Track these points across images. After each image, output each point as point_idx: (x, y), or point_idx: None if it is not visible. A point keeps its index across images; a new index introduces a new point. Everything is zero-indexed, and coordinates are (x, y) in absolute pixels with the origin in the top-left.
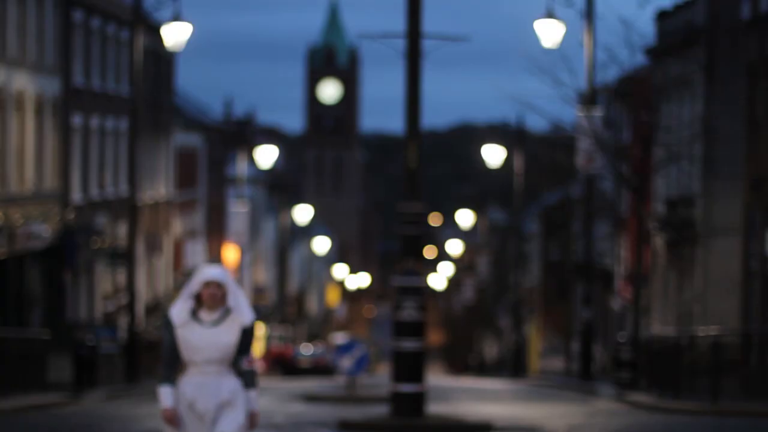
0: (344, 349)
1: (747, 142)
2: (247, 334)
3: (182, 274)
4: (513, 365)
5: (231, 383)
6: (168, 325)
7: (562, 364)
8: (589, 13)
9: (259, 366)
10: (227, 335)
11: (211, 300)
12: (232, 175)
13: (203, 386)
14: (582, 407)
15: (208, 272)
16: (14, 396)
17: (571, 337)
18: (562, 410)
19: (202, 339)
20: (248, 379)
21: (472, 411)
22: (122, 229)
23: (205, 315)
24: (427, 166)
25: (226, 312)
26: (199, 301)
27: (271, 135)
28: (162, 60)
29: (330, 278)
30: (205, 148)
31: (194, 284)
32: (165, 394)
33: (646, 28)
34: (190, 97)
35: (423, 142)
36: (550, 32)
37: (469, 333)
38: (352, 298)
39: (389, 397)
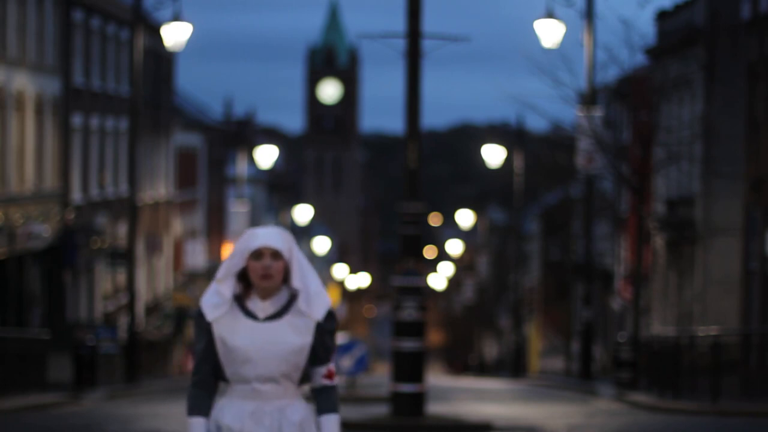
0: (344, 349)
1: (747, 142)
2: (324, 333)
3: (182, 274)
4: (513, 365)
5: (299, 412)
6: (200, 322)
7: (562, 364)
8: (589, 13)
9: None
10: (295, 336)
11: (266, 279)
12: (232, 175)
13: (257, 416)
14: (582, 407)
15: (259, 235)
16: (14, 396)
17: (571, 337)
18: (562, 410)
19: (255, 342)
20: (326, 401)
21: (472, 411)
22: (122, 229)
23: (257, 304)
24: (427, 166)
25: (291, 298)
26: (246, 282)
27: (271, 135)
28: (162, 60)
29: (330, 278)
30: (205, 148)
31: (237, 255)
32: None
33: (646, 28)
34: (190, 97)
35: (423, 142)
36: (550, 32)
37: (469, 333)
38: (352, 298)
39: (389, 397)
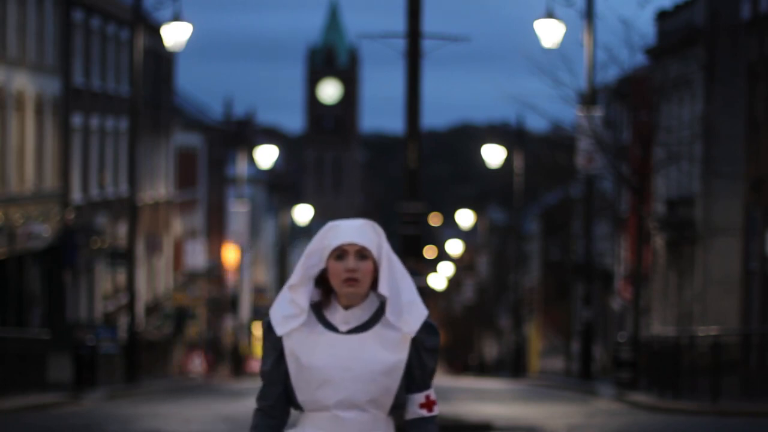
0: None
1: (747, 142)
2: (422, 351)
3: (182, 274)
4: (513, 365)
5: None
6: (269, 337)
7: (562, 364)
8: (589, 13)
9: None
10: (385, 352)
11: (350, 284)
12: (232, 175)
13: None
14: (582, 407)
15: (341, 230)
16: (14, 396)
17: (571, 337)
18: (562, 410)
19: (336, 360)
20: None
21: (472, 411)
22: (122, 229)
23: (338, 314)
24: (427, 166)
25: (381, 307)
26: (326, 287)
27: (271, 135)
28: (162, 60)
29: None
30: (205, 148)
31: (315, 255)
32: None
33: (646, 28)
34: (190, 97)
35: (423, 142)
36: (550, 32)
37: (469, 333)
38: None
39: None
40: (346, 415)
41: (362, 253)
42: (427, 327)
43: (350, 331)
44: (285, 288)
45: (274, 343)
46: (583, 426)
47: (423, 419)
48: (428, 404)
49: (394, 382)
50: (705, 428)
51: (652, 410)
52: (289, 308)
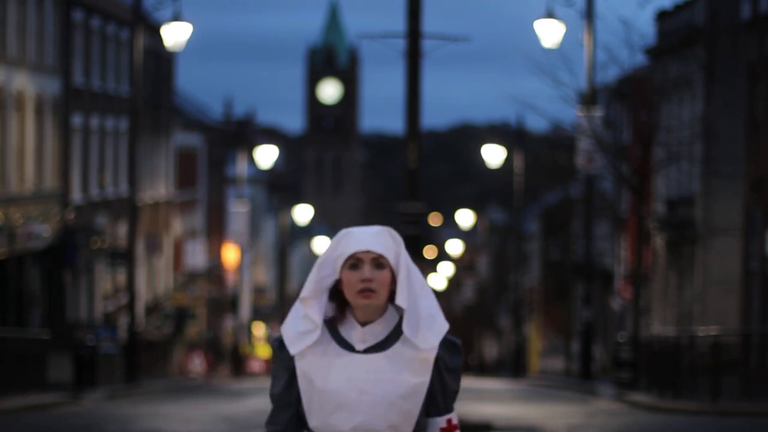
0: None
1: (747, 142)
2: (444, 371)
3: (182, 274)
4: (513, 365)
5: None
6: (280, 356)
7: (562, 364)
8: (589, 13)
9: (258, 367)
10: (406, 373)
11: (366, 296)
12: (232, 175)
13: None
14: (582, 407)
15: (355, 236)
16: (14, 396)
17: (571, 337)
18: (562, 410)
19: (352, 383)
20: None
21: (472, 411)
22: (122, 229)
23: (354, 331)
24: (427, 166)
25: (400, 323)
26: (340, 300)
27: (271, 135)
28: (162, 60)
29: None
30: (205, 148)
31: (327, 264)
32: None
33: (646, 28)
34: (190, 97)
35: (423, 142)
36: (550, 32)
37: (469, 333)
38: None
39: None
40: None
41: (378, 262)
42: (448, 345)
43: (367, 350)
44: (297, 302)
45: (285, 363)
46: (583, 426)
47: None
48: (450, 429)
49: (416, 406)
50: (705, 428)
51: (652, 410)
52: (303, 325)
